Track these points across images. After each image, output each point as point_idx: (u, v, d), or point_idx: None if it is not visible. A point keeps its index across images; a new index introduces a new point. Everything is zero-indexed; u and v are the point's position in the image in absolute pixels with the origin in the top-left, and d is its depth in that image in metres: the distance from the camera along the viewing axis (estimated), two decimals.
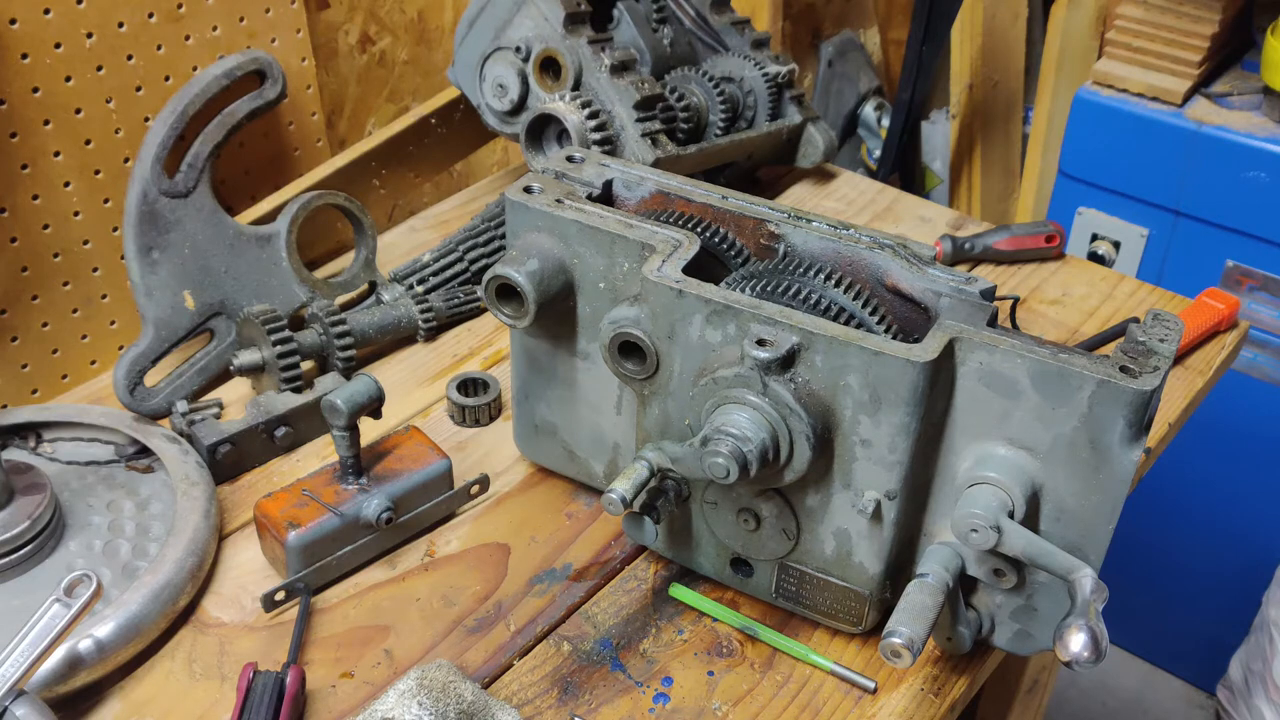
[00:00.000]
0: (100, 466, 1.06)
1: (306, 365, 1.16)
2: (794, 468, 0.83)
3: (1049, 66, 2.17)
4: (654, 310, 0.86)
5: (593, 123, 1.24)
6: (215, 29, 1.23)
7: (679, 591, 0.98)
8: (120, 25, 1.15)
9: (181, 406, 1.10)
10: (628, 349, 0.89)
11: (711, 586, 0.98)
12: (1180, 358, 1.25)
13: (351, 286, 1.27)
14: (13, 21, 1.07)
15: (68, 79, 1.12)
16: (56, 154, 1.14)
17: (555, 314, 0.95)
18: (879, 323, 0.87)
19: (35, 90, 1.10)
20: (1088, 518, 0.81)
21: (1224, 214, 1.85)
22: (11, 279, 1.14)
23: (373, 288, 1.28)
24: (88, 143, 1.16)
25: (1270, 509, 2.02)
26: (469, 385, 1.17)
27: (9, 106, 1.09)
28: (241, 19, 1.25)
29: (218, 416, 1.14)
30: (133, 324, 1.24)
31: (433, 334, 1.27)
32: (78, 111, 1.14)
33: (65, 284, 1.19)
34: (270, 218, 1.24)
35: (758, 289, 0.88)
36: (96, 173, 1.17)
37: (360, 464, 0.99)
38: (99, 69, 1.14)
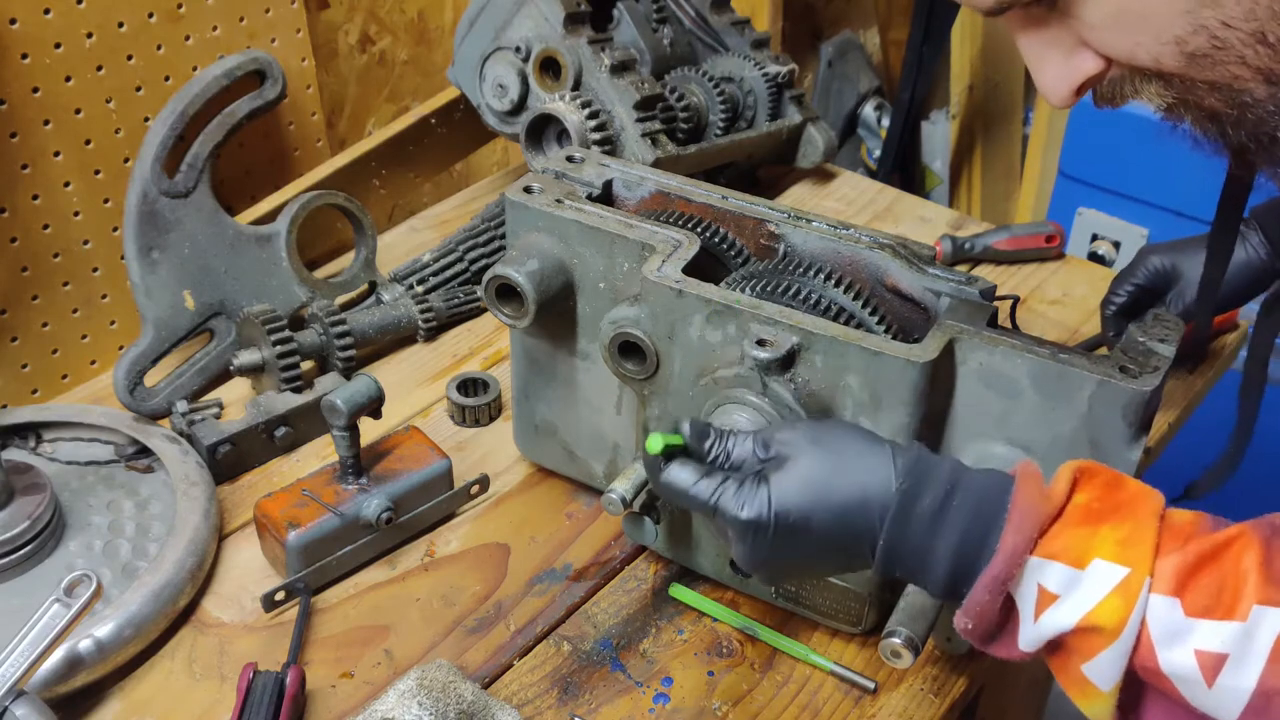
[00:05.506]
0: (100, 466, 1.06)
1: (306, 365, 1.16)
2: None
3: None
4: (654, 310, 0.86)
5: (593, 123, 1.24)
6: (215, 29, 1.22)
7: (679, 591, 0.98)
8: (120, 25, 1.15)
9: (181, 406, 1.10)
10: (628, 349, 0.89)
11: (711, 586, 0.98)
12: (1180, 358, 1.25)
13: (351, 286, 1.27)
14: (13, 21, 1.07)
15: (68, 79, 1.12)
16: (56, 154, 1.14)
17: (555, 314, 0.95)
18: (879, 323, 0.87)
19: (35, 90, 1.10)
20: None
21: None
22: (11, 279, 1.14)
23: (373, 288, 1.28)
24: (88, 143, 1.16)
25: (1270, 509, 2.01)
26: (469, 385, 1.17)
27: (9, 106, 1.09)
28: (241, 19, 1.25)
29: (218, 416, 1.14)
30: (133, 324, 1.24)
31: (433, 334, 1.27)
32: (78, 111, 1.14)
33: (65, 284, 1.18)
34: (270, 218, 1.24)
35: (758, 289, 0.88)
36: (96, 173, 1.17)
37: (360, 464, 0.99)
38: (99, 69, 1.14)
